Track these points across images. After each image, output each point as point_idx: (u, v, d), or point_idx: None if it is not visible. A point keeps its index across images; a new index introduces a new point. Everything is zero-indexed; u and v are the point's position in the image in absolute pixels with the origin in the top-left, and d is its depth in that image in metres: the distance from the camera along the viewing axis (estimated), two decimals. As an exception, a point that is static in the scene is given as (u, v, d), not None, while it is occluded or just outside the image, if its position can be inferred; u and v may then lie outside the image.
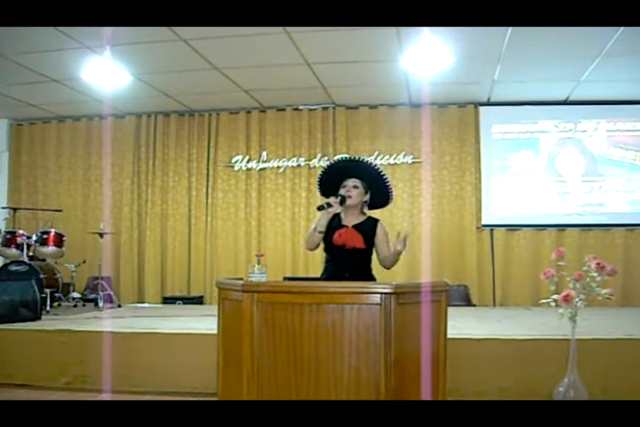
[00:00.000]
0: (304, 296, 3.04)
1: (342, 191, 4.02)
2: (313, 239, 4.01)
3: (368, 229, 4.03)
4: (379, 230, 4.07)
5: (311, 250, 4.10)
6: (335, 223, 4.04)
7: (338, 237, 3.96)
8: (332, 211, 3.95)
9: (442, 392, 3.24)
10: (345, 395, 2.91)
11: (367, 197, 4.12)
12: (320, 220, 3.98)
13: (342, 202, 3.99)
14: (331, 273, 4.05)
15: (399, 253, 3.94)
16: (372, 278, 4.06)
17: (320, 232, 3.96)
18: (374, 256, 4.10)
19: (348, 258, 4.00)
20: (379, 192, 4.16)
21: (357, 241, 3.97)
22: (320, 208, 3.94)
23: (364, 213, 4.14)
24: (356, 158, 4.21)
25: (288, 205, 9.19)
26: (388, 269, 4.12)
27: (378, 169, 4.13)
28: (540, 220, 8.79)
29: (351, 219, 4.06)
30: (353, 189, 4.03)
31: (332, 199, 3.94)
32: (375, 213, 4.25)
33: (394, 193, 4.18)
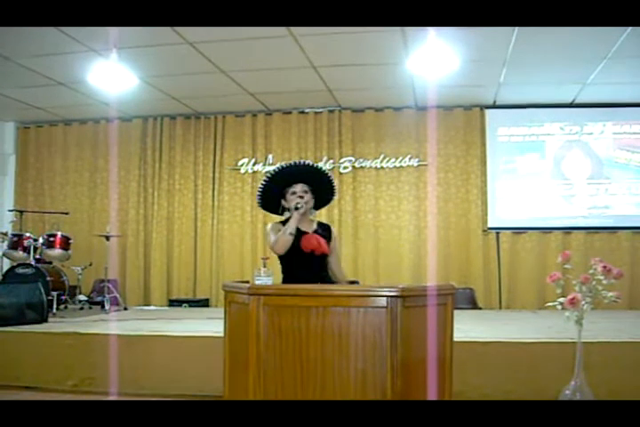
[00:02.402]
0: (310, 299, 3.04)
1: (292, 197, 3.95)
2: (286, 243, 3.87)
3: (325, 234, 4.03)
4: (334, 237, 4.10)
5: (281, 254, 3.93)
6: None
7: (307, 243, 3.90)
8: (302, 212, 3.89)
9: (448, 395, 3.23)
10: (351, 397, 2.91)
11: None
12: (292, 222, 3.88)
13: (297, 208, 3.92)
14: (301, 280, 3.87)
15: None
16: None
17: (291, 234, 3.85)
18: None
19: (315, 264, 3.98)
20: (324, 192, 4.12)
21: (325, 247, 3.95)
22: (296, 208, 3.88)
23: (312, 218, 4.13)
24: (302, 163, 4.12)
25: (294, 207, 9.18)
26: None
27: (322, 169, 4.11)
28: (546, 223, 8.78)
29: (304, 224, 4.00)
30: (304, 193, 3.97)
31: (298, 202, 3.90)
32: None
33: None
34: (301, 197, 3.95)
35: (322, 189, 4.09)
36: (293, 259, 3.94)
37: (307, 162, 4.17)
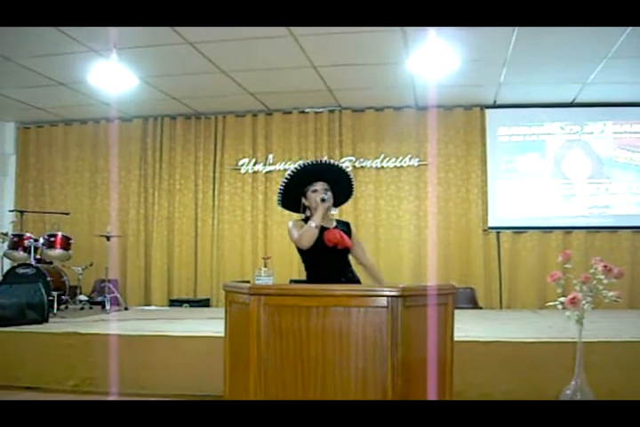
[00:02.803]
0: (311, 299, 3.04)
1: (313, 195, 3.96)
2: (312, 236, 3.84)
3: (345, 229, 4.05)
4: (353, 232, 4.13)
5: (306, 248, 3.88)
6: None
7: (331, 236, 3.90)
8: (327, 206, 3.92)
9: (448, 395, 3.23)
10: (352, 397, 2.91)
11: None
12: (317, 215, 3.88)
13: (323, 200, 3.93)
14: (326, 277, 3.89)
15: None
16: (359, 279, 4.11)
17: (317, 227, 3.85)
18: None
19: (339, 259, 4.01)
20: (343, 190, 4.14)
21: (348, 241, 3.97)
22: (323, 200, 3.89)
23: (331, 216, 4.14)
24: (322, 161, 4.18)
25: (294, 207, 9.19)
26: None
27: (341, 167, 4.13)
28: (547, 222, 8.78)
29: (325, 221, 3.99)
30: (325, 191, 3.97)
31: (324, 195, 3.92)
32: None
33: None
34: (325, 194, 3.96)
35: (341, 187, 4.10)
36: (317, 254, 3.93)
37: (327, 160, 4.24)
